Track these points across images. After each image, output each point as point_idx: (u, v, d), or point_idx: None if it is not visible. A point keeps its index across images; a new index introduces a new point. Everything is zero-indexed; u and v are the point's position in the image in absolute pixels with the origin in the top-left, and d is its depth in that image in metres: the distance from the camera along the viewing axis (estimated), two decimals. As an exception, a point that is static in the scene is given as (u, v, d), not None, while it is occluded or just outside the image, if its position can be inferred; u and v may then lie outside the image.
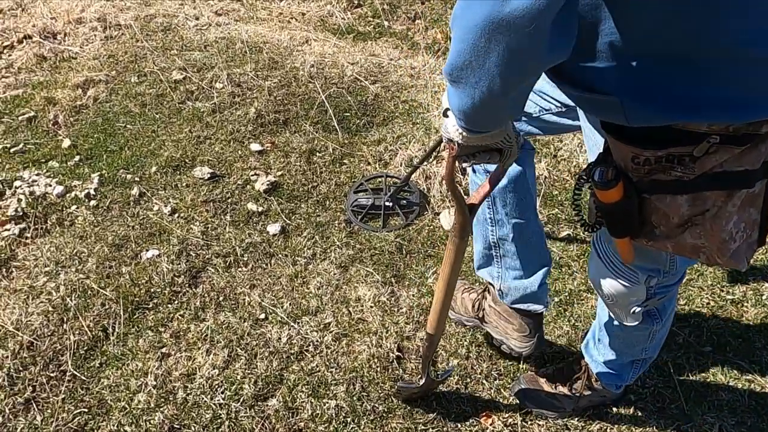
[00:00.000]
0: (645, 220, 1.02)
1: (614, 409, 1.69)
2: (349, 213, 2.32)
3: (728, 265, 1.01)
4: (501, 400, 1.72)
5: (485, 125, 1.03)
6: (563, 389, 1.66)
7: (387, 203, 2.32)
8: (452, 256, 1.36)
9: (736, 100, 0.84)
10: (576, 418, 1.67)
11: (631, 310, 1.34)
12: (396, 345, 1.86)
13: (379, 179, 2.48)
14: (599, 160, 1.03)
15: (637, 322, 1.38)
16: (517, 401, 1.71)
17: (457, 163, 1.17)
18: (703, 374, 1.79)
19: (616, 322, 1.44)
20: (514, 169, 1.49)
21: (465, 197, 1.30)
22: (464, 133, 1.04)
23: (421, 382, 1.64)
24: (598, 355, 1.58)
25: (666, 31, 0.82)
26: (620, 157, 0.99)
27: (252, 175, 2.54)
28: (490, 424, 1.67)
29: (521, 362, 1.82)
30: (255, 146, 2.69)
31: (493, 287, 1.70)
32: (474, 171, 1.54)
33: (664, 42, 0.83)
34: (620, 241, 1.11)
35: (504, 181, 1.48)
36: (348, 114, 2.86)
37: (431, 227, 2.30)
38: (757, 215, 0.97)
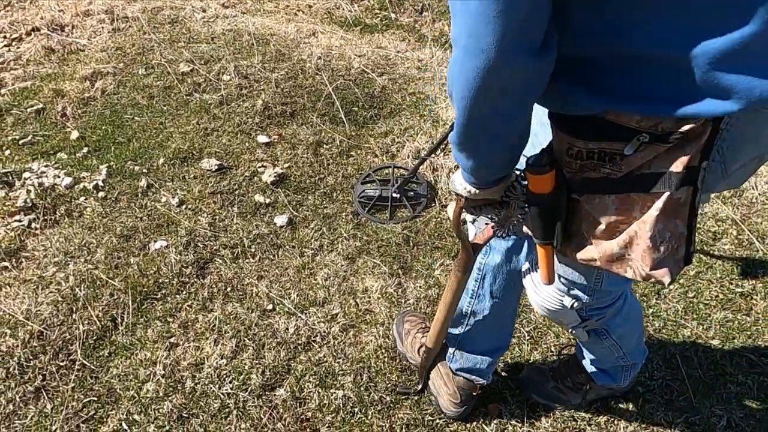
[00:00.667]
0: (574, 230, 1.02)
1: (622, 401, 1.69)
2: (357, 204, 2.31)
3: (653, 277, 0.97)
4: (508, 392, 1.72)
5: (492, 179, 1.05)
6: (569, 382, 1.66)
7: (394, 194, 2.32)
8: (454, 287, 1.41)
9: (667, 95, 0.84)
10: (583, 410, 1.67)
11: (571, 331, 1.35)
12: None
13: (387, 170, 2.47)
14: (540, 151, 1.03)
15: (585, 339, 1.38)
16: (525, 393, 1.71)
17: (462, 215, 1.19)
18: (712, 367, 1.78)
19: (580, 339, 1.44)
20: (515, 249, 1.43)
21: (468, 239, 1.31)
22: (472, 189, 1.07)
23: (418, 388, 1.68)
24: (585, 360, 1.58)
25: (591, 30, 0.84)
26: (558, 149, 0.98)
27: (259, 167, 2.54)
28: (498, 415, 1.67)
29: (529, 354, 1.81)
30: (262, 138, 2.70)
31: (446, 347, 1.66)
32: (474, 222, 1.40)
33: (594, 39, 0.85)
34: (543, 256, 1.08)
35: (500, 259, 1.43)
36: (355, 106, 2.85)
37: (438, 219, 2.30)
38: (683, 228, 0.94)
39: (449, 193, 2.39)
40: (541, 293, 1.27)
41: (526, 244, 1.40)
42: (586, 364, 1.59)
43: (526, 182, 1.02)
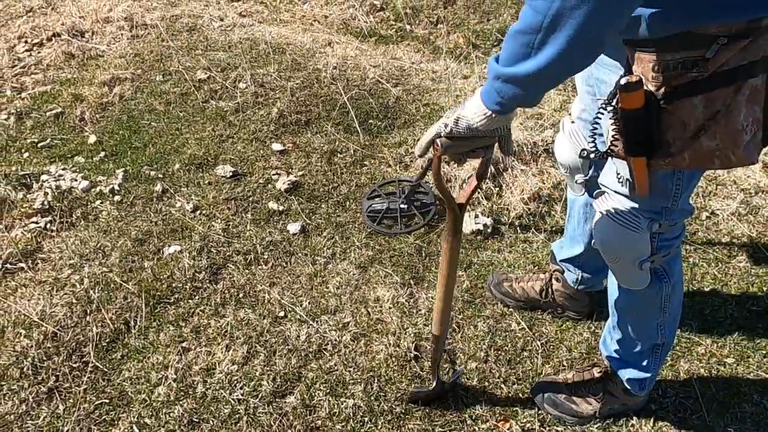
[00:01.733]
0: (662, 139, 1.12)
1: (635, 419, 1.68)
2: (366, 219, 2.32)
3: (742, 162, 1.11)
4: (519, 405, 1.71)
5: (515, 106, 1.11)
6: (583, 395, 1.65)
7: (402, 206, 2.32)
8: (448, 256, 1.40)
9: (736, 3, 1.01)
10: (596, 426, 1.66)
11: (639, 266, 1.38)
12: (413, 344, 1.85)
13: (392, 185, 2.48)
14: (622, 76, 1.12)
15: (647, 283, 1.42)
16: (536, 406, 1.70)
17: (447, 161, 1.20)
18: (726, 386, 1.76)
19: (623, 301, 1.49)
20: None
21: (453, 197, 1.35)
22: (492, 115, 1.12)
23: (433, 386, 1.65)
24: (613, 343, 1.59)
25: None
26: (641, 70, 1.09)
27: (273, 175, 2.56)
28: (508, 429, 1.66)
29: (541, 367, 1.80)
30: (277, 146, 2.72)
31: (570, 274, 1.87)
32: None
33: None
34: (638, 168, 1.17)
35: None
36: (370, 116, 2.87)
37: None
38: (760, 113, 1.09)
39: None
40: (621, 218, 1.33)
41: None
42: (614, 355, 1.59)
43: (615, 104, 1.12)
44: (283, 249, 2.21)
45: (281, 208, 2.39)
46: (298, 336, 1.89)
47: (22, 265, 2.13)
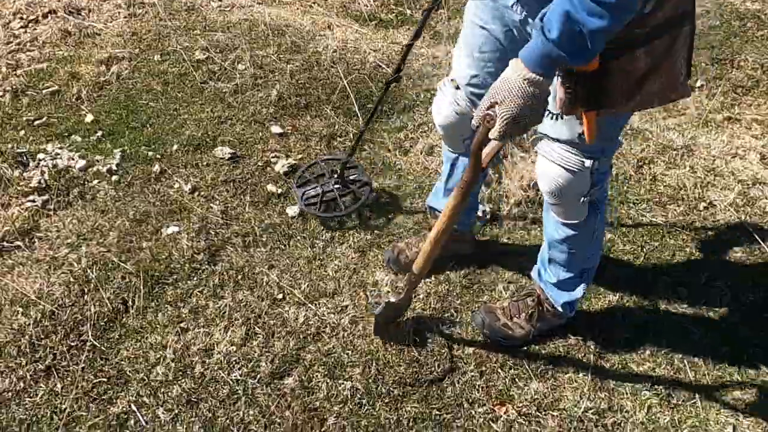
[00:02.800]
0: (611, 90, 1.25)
1: (629, 404, 1.70)
2: (305, 208, 2.21)
3: (678, 98, 1.30)
4: (516, 390, 1.73)
5: (556, 67, 1.19)
6: (517, 321, 1.81)
7: (335, 186, 2.25)
8: (450, 213, 1.47)
9: None
10: (590, 412, 1.68)
11: (580, 201, 1.55)
12: (412, 329, 1.86)
13: (315, 166, 2.39)
14: None
15: (585, 215, 1.60)
16: (532, 390, 1.72)
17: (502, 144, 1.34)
18: (719, 374, 1.78)
19: (562, 235, 1.65)
20: None
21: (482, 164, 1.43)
22: (536, 78, 1.17)
23: (392, 299, 1.74)
24: (550, 277, 1.76)
25: None
26: None
27: (272, 157, 2.55)
28: (504, 413, 1.68)
29: (537, 352, 1.82)
30: (276, 128, 2.70)
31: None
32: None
33: None
34: (588, 120, 1.30)
35: None
36: (369, 100, 2.85)
37: (450, 216, 2.30)
38: (687, 54, 1.25)
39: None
40: (566, 162, 1.47)
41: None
42: (551, 286, 1.77)
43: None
44: (282, 232, 2.21)
45: (280, 191, 2.39)
46: (297, 318, 1.90)
47: (19, 243, 2.12)
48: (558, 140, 1.46)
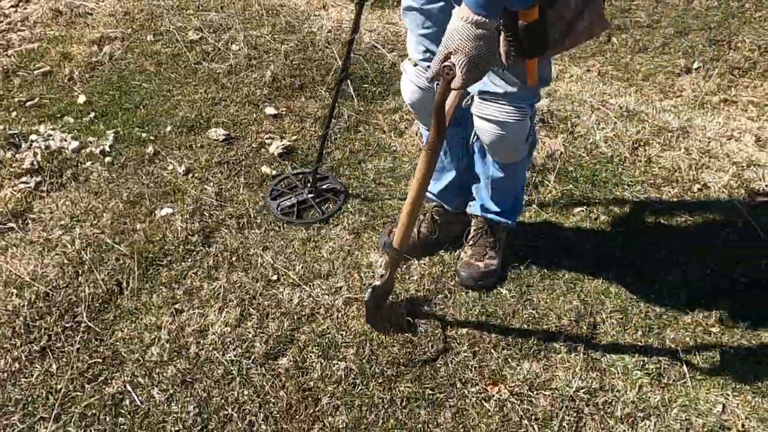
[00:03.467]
0: (549, 36, 1.33)
1: (620, 384, 1.71)
2: (282, 217, 2.17)
3: (603, 29, 1.46)
4: (508, 370, 1.74)
5: (499, 10, 1.25)
6: (483, 258, 1.95)
7: (309, 195, 2.23)
8: (422, 177, 1.48)
9: None
10: (582, 391, 1.69)
11: (524, 145, 1.71)
12: (406, 310, 1.87)
13: (286, 179, 2.34)
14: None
15: (525, 152, 1.76)
16: (524, 370, 1.73)
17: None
18: (710, 354, 1.80)
19: (504, 173, 1.79)
20: None
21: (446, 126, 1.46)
22: (480, 19, 1.22)
23: (378, 283, 1.73)
24: (495, 207, 1.92)
25: None
26: None
27: (266, 139, 2.54)
28: (497, 392, 1.70)
29: (530, 333, 1.83)
30: (270, 110, 2.68)
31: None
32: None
33: None
34: (531, 66, 1.41)
35: None
36: (364, 81, 2.84)
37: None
38: None
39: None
40: (511, 114, 1.60)
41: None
42: (498, 214, 1.93)
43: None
44: (276, 213, 2.20)
45: (274, 172, 2.38)
46: (291, 299, 1.90)
47: (12, 225, 2.11)
48: (502, 94, 1.58)
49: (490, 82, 1.58)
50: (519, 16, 1.27)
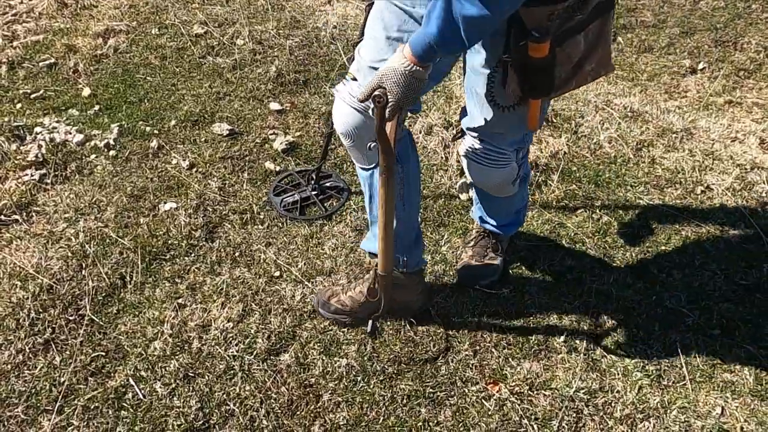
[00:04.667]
0: (556, 75, 1.34)
1: (620, 385, 1.72)
2: (284, 213, 2.17)
3: (609, 72, 1.43)
4: (509, 369, 1.75)
5: (478, 38, 1.26)
6: (485, 260, 1.96)
7: (313, 192, 2.24)
8: (384, 197, 1.46)
9: None
10: (582, 392, 1.70)
11: (512, 186, 1.71)
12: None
13: (290, 176, 2.33)
14: (514, 33, 1.29)
15: (516, 190, 1.76)
16: (525, 370, 1.74)
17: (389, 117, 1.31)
18: (710, 356, 1.81)
19: (498, 202, 1.82)
20: None
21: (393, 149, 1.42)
22: (414, 67, 1.23)
23: (377, 317, 1.72)
24: (493, 222, 1.94)
25: None
26: (535, 23, 1.25)
27: (270, 134, 2.54)
28: (497, 392, 1.71)
29: (531, 332, 1.84)
30: (274, 105, 2.68)
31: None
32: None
33: None
34: (534, 108, 1.41)
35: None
36: (369, 78, 2.83)
37: (449, 196, 2.30)
38: (612, 33, 1.45)
39: (461, 172, 2.39)
40: (496, 162, 1.61)
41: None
42: (498, 227, 1.95)
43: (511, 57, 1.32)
44: (280, 210, 2.21)
45: (278, 168, 2.38)
46: (293, 296, 1.91)
47: (17, 217, 2.12)
48: (491, 135, 1.57)
49: (483, 119, 1.52)
50: (529, 50, 1.28)
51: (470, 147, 1.63)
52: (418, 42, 1.22)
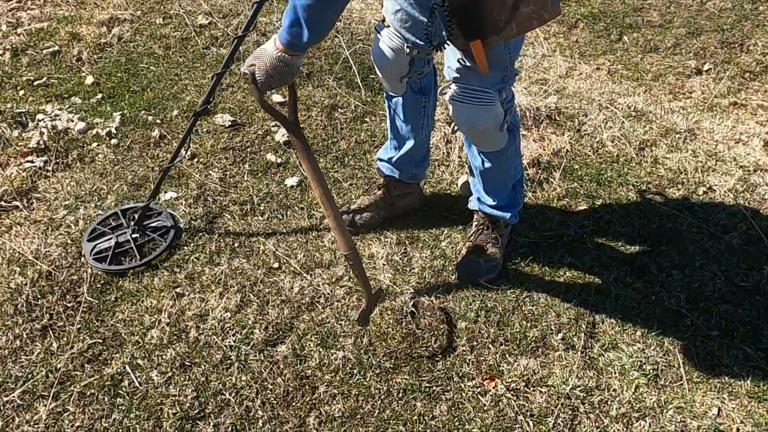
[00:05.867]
0: (489, 19, 1.37)
1: (617, 384, 1.72)
2: (93, 263, 1.91)
3: (552, 16, 1.42)
4: (506, 365, 1.75)
5: (319, 25, 1.42)
6: (484, 252, 1.96)
7: (134, 236, 1.99)
8: (311, 169, 1.53)
9: None
10: (578, 389, 1.70)
11: (500, 129, 1.72)
12: (412, 302, 1.88)
13: (112, 217, 2.08)
14: None
15: (506, 140, 1.78)
16: (522, 367, 1.74)
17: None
18: (708, 357, 1.80)
19: (489, 164, 1.83)
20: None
21: (285, 116, 1.56)
22: (285, 55, 1.45)
23: (365, 302, 1.70)
24: (490, 201, 1.95)
25: None
26: None
27: (273, 126, 2.53)
28: (493, 388, 1.70)
29: (529, 330, 1.84)
30: (277, 97, 2.68)
31: None
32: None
33: None
34: (476, 49, 1.43)
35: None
36: (372, 72, 2.82)
37: (449, 191, 2.30)
38: None
39: (461, 167, 2.38)
40: (476, 99, 1.63)
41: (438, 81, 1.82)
42: (494, 208, 1.96)
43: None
44: (280, 201, 2.21)
45: (279, 160, 2.38)
46: (292, 287, 1.91)
47: (17, 203, 2.12)
48: (465, 76, 1.61)
49: (458, 66, 1.61)
50: None
51: (454, 91, 1.67)
52: (282, 32, 1.43)
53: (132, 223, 2.01)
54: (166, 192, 2.20)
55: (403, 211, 2.14)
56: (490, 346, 1.79)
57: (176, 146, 1.93)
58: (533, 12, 1.38)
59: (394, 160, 2.04)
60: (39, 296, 1.83)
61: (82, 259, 1.94)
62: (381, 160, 2.09)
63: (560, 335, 1.82)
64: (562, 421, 1.63)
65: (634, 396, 1.70)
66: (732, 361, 1.79)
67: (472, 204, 2.02)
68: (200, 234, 2.06)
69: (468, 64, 1.56)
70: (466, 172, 2.35)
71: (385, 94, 1.97)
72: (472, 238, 2.02)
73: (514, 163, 1.90)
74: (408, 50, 1.69)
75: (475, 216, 2.03)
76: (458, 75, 1.63)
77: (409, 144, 1.99)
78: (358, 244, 2.06)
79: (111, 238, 1.97)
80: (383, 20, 1.79)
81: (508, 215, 1.97)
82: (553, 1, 1.41)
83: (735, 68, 3.04)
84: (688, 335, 1.85)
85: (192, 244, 2.03)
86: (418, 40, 1.68)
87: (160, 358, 1.71)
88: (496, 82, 1.63)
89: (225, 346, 1.74)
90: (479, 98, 1.63)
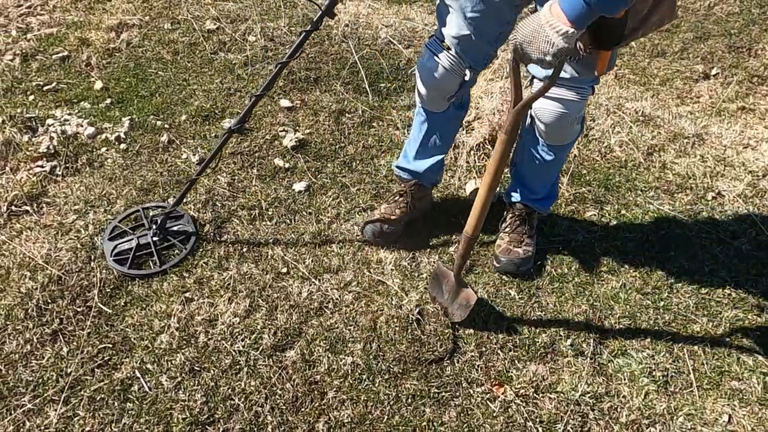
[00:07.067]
0: (625, 28, 1.41)
1: (626, 390, 1.71)
2: (113, 264, 1.91)
3: (671, 21, 1.50)
4: (514, 371, 1.75)
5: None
6: (520, 245, 2.00)
7: (154, 239, 1.97)
8: (500, 153, 1.52)
9: None
10: (588, 396, 1.69)
11: (575, 128, 1.78)
12: (418, 308, 1.88)
13: (135, 214, 2.10)
14: None
15: (577, 134, 1.83)
16: (530, 372, 1.73)
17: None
18: (718, 363, 1.79)
19: (553, 156, 1.86)
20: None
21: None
22: (575, 32, 1.29)
23: (451, 276, 1.79)
24: (536, 194, 2.01)
25: None
26: None
27: (280, 131, 2.54)
28: (502, 394, 1.70)
29: (538, 335, 1.83)
30: (285, 102, 2.69)
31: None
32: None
33: None
34: (604, 55, 1.49)
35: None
36: (380, 77, 2.83)
37: (457, 197, 2.30)
38: None
39: (468, 171, 2.38)
40: (577, 95, 1.66)
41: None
42: (539, 202, 2.02)
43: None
44: (288, 206, 2.21)
45: (287, 165, 2.39)
46: (300, 293, 1.91)
47: (27, 208, 2.14)
48: (568, 79, 1.63)
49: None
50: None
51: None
52: (571, 8, 1.26)
53: (154, 227, 2.01)
54: (174, 197, 2.20)
55: (420, 214, 2.16)
56: (499, 351, 1.79)
57: (206, 159, 1.91)
58: (659, 20, 1.46)
59: (423, 170, 2.06)
60: (49, 301, 1.84)
61: (94, 262, 1.95)
62: (402, 168, 2.10)
63: (569, 341, 1.81)
64: (571, 428, 1.62)
65: (643, 403, 1.69)
66: (742, 368, 1.78)
67: (515, 197, 2.06)
68: (209, 239, 2.07)
69: (575, 65, 1.61)
70: (475, 177, 2.35)
71: (418, 109, 1.97)
72: (508, 230, 2.06)
73: (565, 158, 1.98)
74: (469, 73, 1.73)
75: (512, 210, 2.08)
76: (563, 75, 1.65)
77: (440, 155, 2.04)
78: (366, 250, 2.06)
79: (132, 239, 1.97)
80: (435, 36, 1.77)
81: (548, 207, 2.06)
82: (675, 8, 1.49)
83: (743, 73, 3.03)
84: (697, 341, 1.84)
85: (201, 249, 2.04)
86: (477, 66, 1.74)
87: (170, 363, 1.71)
88: (594, 78, 1.68)
89: (234, 351, 1.75)
90: (576, 91, 1.68)
